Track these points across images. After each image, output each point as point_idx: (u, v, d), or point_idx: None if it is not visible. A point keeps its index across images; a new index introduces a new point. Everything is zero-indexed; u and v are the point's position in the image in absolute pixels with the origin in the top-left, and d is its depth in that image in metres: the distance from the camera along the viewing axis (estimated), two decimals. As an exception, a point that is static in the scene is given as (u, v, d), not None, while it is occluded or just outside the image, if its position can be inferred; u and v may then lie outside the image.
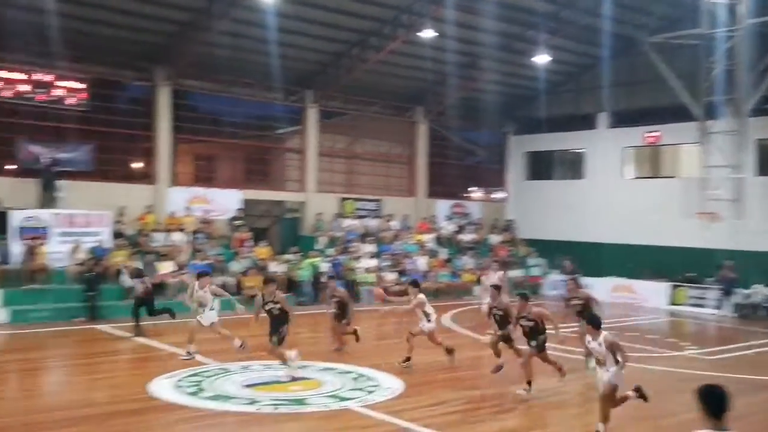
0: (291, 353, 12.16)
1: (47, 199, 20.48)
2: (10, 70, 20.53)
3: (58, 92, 21.21)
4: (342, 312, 14.47)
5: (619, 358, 9.09)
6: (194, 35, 21.95)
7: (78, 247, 19.53)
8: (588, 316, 9.67)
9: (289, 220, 26.76)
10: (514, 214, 32.20)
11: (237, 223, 24.12)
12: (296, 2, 21.08)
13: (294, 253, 23.42)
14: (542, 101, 29.18)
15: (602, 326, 9.40)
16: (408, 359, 13.04)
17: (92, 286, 18.05)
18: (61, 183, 20.65)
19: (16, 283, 18.30)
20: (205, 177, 26.06)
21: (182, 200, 23.60)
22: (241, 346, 13.17)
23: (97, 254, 19.30)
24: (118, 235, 20.88)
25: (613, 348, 9.12)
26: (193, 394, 11.08)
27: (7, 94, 20.41)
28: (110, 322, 17.51)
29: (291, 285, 13.66)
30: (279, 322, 11.85)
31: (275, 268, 22.20)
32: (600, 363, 9.27)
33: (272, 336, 11.81)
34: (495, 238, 29.97)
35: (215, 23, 21.26)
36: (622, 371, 9.10)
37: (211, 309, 13.42)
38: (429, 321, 13.10)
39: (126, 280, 18.46)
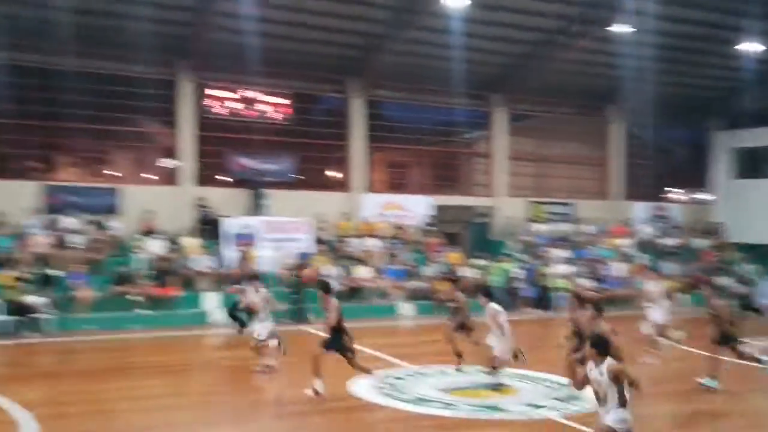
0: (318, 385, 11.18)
1: (254, 208, 22.07)
2: (222, 89, 22.46)
3: (263, 108, 22.91)
4: (458, 318, 12.95)
5: (626, 395, 6.88)
6: (383, 46, 22.72)
7: (283, 252, 20.79)
8: (592, 336, 7.46)
9: (478, 224, 26.73)
10: (722, 217, 29.85)
11: (429, 228, 24.54)
12: (482, 6, 21.08)
13: (484, 258, 23.40)
14: (752, 93, 26.83)
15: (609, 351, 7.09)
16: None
17: (298, 289, 19.15)
18: (266, 192, 22.18)
19: (230, 286, 19.80)
20: (397, 183, 26.81)
21: (376, 206, 24.45)
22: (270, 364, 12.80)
23: (302, 259, 20.43)
24: (318, 240, 21.97)
25: (618, 380, 6.86)
26: (392, 395, 11.36)
27: (220, 111, 22.38)
28: (314, 324, 18.37)
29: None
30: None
31: (466, 273, 22.31)
32: (599, 399, 7.08)
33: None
34: (701, 243, 27.99)
35: (403, 33, 21.89)
36: (626, 414, 6.87)
37: (262, 321, 12.75)
38: (503, 334, 11.72)
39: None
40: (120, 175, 22.45)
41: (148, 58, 21.08)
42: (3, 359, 14.79)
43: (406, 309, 20.78)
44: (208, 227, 21.29)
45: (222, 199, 22.14)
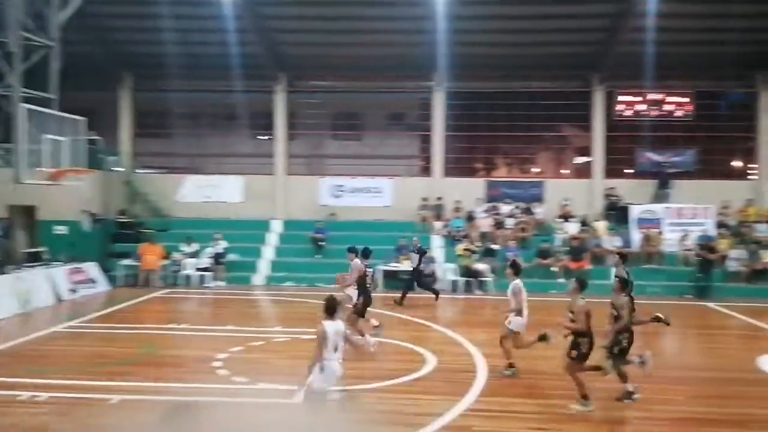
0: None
1: (659, 196, 20.76)
2: (629, 94, 21.55)
3: (667, 107, 21.41)
4: None
5: None
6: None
7: (686, 235, 19.20)
8: None
9: None
10: None
11: None
12: None
13: None
14: None
15: None
16: (511, 366, 9.51)
17: (704, 269, 17.54)
18: (671, 182, 20.68)
19: (636, 263, 19.00)
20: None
21: (781, 194, 20.89)
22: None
23: (707, 241, 18.62)
24: (720, 225, 19.69)
25: None
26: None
27: (628, 113, 21.55)
28: (718, 301, 16.64)
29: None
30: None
31: None
32: None
33: None
34: None
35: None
36: None
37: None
38: (520, 315, 9.39)
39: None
40: (543, 171, 23.19)
41: (567, 75, 21.45)
42: (457, 309, 16.46)
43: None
44: (615, 213, 20.73)
45: (628, 188, 21.30)
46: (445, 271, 18.68)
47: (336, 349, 6.52)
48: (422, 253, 16.47)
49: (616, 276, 10.81)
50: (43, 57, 17.14)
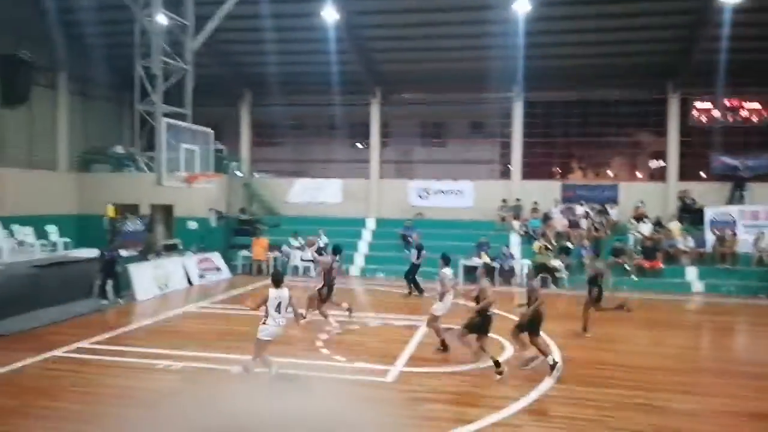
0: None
1: (734, 198, 19.33)
2: (704, 100, 20.19)
3: (743, 113, 19.86)
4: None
5: None
6: None
7: (761, 236, 17.76)
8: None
9: None
10: None
11: None
12: None
13: None
14: None
15: None
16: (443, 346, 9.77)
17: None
18: (746, 185, 19.21)
19: (709, 263, 17.87)
20: None
21: None
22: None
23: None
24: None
25: None
26: None
27: (703, 119, 20.20)
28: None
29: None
30: None
31: None
32: None
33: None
34: None
35: None
36: None
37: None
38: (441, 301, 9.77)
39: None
40: (618, 174, 22.20)
41: (642, 83, 20.43)
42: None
43: None
44: (689, 215, 19.49)
45: (702, 191, 19.95)
46: (522, 267, 18.35)
47: (278, 310, 7.65)
48: (420, 248, 16.35)
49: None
50: (179, 78, 18.37)
